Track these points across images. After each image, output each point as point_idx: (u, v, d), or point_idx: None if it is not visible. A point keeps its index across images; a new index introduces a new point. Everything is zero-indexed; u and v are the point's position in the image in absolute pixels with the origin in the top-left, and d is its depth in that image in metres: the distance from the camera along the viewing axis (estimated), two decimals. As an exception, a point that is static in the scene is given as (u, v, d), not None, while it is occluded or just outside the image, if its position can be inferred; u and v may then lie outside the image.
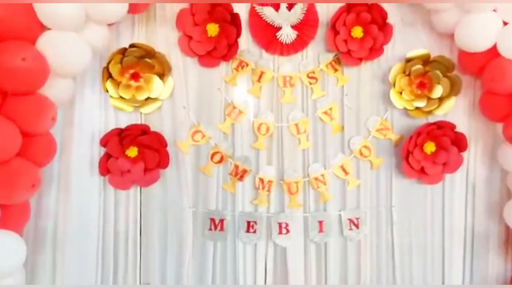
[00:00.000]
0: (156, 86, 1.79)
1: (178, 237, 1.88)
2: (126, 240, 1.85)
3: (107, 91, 1.76)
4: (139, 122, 1.83)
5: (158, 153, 1.78)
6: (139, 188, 1.85)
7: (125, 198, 1.84)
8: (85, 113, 1.81)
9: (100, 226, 1.82)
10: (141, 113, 1.84)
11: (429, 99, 1.87)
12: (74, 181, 1.80)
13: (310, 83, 1.90)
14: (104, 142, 1.74)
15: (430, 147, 1.86)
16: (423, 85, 1.87)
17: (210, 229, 1.88)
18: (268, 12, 1.84)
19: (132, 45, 1.74)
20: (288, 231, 1.88)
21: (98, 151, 1.79)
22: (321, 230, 1.90)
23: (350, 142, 1.93)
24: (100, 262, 1.82)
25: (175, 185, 1.87)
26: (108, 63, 1.73)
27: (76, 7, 1.44)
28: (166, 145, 1.80)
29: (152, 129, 1.83)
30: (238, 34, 1.78)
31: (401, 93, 1.88)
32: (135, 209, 1.85)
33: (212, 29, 1.79)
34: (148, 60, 1.76)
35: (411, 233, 1.97)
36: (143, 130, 1.77)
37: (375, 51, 1.87)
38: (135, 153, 1.76)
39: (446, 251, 1.97)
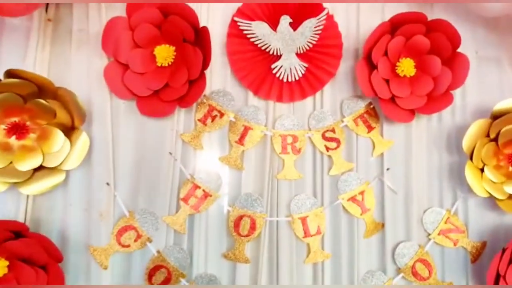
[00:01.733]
0: (58, 147, 1.00)
1: None
2: None
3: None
4: (21, 213, 1.02)
5: (46, 271, 0.96)
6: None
7: None
8: None
9: None
10: (27, 196, 1.04)
11: (531, 180, 1.09)
12: None
13: (328, 149, 1.13)
14: None
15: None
16: (519, 158, 1.10)
17: None
18: (259, 30, 1.10)
19: (10, 74, 0.98)
20: None
21: None
22: None
23: (396, 253, 1.11)
24: None
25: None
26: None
27: None
28: (59, 259, 0.98)
29: (45, 223, 1.03)
30: (207, 63, 1.04)
31: (482, 169, 1.10)
32: None
33: (163, 53, 1.05)
34: (43, 101, 0.99)
35: None
36: (18, 229, 0.95)
37: (437, 99, 1.12)
38: (2, 271, 0.93)
39: None
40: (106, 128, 1.07)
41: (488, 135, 1.11)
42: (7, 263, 0.93)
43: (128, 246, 1.05)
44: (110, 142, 1.07)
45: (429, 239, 1.13)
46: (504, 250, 1.06)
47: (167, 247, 1.06)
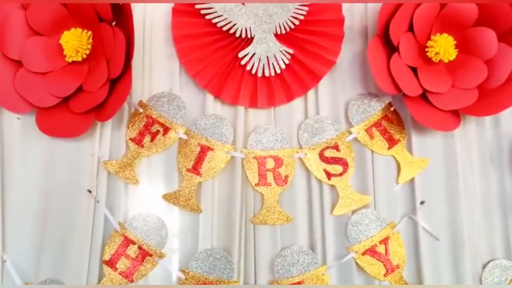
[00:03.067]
0: None
1: None
2: None
3: None
4: None
5: None
6: None
7: None
8: None
9: None
10: None
11: None
12: None
13: (330, 175, 0.74)
14: None
15: None
16: None
17: None
18: (219, 5, 0.74)
19: None
20: None
21: None
22: None
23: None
24: None
25: None
26: None
27: None
28: None
29: None
30: (131, 52, 0.67)
31: None
32: None
33: (74, 41, 0.69)
34: None
35: None
36: None
37: (492, 94, 0.74)
38: None
39: None
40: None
41: None
42: None
43: None
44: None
45: (494, 312, 0.74)
46: None
47: None
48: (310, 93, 0.77)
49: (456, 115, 0.75)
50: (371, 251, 0.73)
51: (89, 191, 0.71)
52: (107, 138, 0.73)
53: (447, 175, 0.77)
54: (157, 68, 0.76)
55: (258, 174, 0.74)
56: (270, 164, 0.74)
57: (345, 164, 0.75)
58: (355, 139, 0.76)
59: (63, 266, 0.70)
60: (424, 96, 0.74)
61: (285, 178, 0.74)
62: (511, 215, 0.77)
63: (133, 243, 0.71)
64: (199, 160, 0.73)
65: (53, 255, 0.70)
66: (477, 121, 0.79)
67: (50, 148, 0.73)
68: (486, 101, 0.74)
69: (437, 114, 0.74)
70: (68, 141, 0.72)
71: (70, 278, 0.70)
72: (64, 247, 0.71)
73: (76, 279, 0.69)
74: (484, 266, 0.75)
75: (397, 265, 0.73)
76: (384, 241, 0.74)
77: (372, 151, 0.76)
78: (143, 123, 0.74)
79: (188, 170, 0.73)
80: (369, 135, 0.76)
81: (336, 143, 0.76)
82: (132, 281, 0.70)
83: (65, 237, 0.71)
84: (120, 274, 0.70)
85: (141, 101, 0.75)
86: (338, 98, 0.78)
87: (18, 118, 0.73)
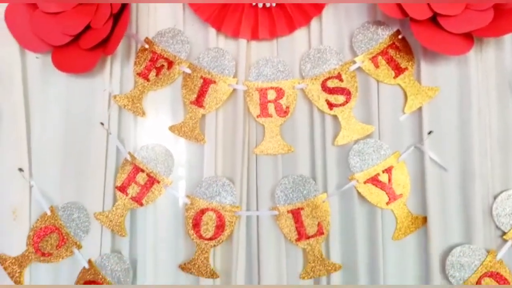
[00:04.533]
0: None
1: None
2: None
3: None
4: None
5: None
6: None
7: None
8: None
9: None
10: None
11: None
12: None
13: (332, 105, 0.74)
14: None
15: None
16: None
17: None
18: None
19: None
20: None
21: None
22: None
23: (449, 263, 0.71)
24: None
25: None
26: None
27: None
28: None
29: None
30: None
31: None
32: None
33: (80, -18, 0.73)
34: None
35: None
36: None
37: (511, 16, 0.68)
38: None
39: None
40: (15, 96, 0.78)
41: None
42: None
43: (49, 254, 0.76)
44: (23, 114, 0.78)
45: (505, 241, 0.71)
46: None
47: (101, 256, 0.75)
48: (314, 23, 0.76)
49: (469, 38, 0.70)
50: (373, 180, 0.73)
51: (102, 124, 0.77)
52: (117, 74, 0.77)
53: (459, 105, 0.74)
54: (161, 5, 0.78)
55: (259, 105, 0.75)
56: (271, 95, 0.75)
57: (348, 93, 0.74)
58: (360, 69, 0.74)
59: (83, 191, 0.77)
60: (434, 19, 0.70)
61: (286, 109, 0.75)
62: (528, 145, 0.72)
63: (142, 171, 0.76)
64: (202, 93, 0.75)
65: (74, 182, 0.77)
66: (496, 45, 0.74)
67: (66, 85, 0.78)
68: (503, 21, 0.68)
69: (448, 38, 0.70)
70: (82, 79, 0.77)
71: (89, 202, 0.76)
72: (82, 174, 0.77)
73: (94, 203, 0.76)
74: (496, 197, 0.72)
75: (400, 194, 0.72)
76: (388, 170, 0.73)
77: (377, 81, 0.74)
78: (149, 58, 0.77)
79: (191, 102, 0.75)
80: (374, 64, 0.74)
81: (339, 73, 0.74)
82: (141, 205, 0.75)
83: (83, 166, 0.77)
84: (131, 199, 0.75)
85: (147, 37, 0.77)
86: (342, 28, 0.76)
87: (36, 57, 0.79)
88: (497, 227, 0.72)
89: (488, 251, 0.71)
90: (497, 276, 0.71)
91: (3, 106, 0.78)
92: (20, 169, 0.77)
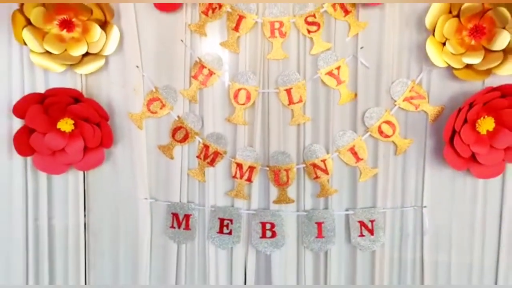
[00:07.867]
0: (97, 38, 1.33)
1: (132, 235, 1.47)
2: (66, 237, 1.47)
3: (24, 43, 1.33)
4: (78, 89, 1.39)
5: (99, 128, 1.35)
6: (81, 173, 1.45)
7: (62, 185, 1.45)
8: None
9: (29, 221, 1.45)
10: (81, 75, 1.40)
11: (487, 52, 1.25)
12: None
13: (309, 32, 1.35)
14: (19, 111, 1.33)
15: (487, 124, 1.26)
16: (479, 30, 1.25)
17: (172, 226, 1.44)
18: None
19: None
20: (274, 234, 1.40)
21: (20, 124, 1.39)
22: (320, 235, 1.40)
23: (366, 115, 1.37)
24: (30, 263, 1.47)
25: (127, 169, 1.45)
26: (22, 4, 1.29)
27: None
28: (107, 118, 1.36)
29: (96, 97, 1.40)
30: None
31: (444, 44, 1.27)
32: (76, 200, 1.46)
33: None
34: (83, 1, 1.30)
35: (451, 245, 1.40)
36: (74, 96, 1.33)
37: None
38: (70, 127, 1.34)
39: (501, 273, 1.39)
40: (129, 23, 1.37)
41: (450, 12, 1.26)
42: (72, 121, 1.34)
43: (156, 113, 1.41)
44: (135, 34, 1.38)
45: (395, 105, 1.37)
46: (460, 110, 1.27)
47: (184, 113, 1.41)
48: (301, -17, 1.34)
49: None
50: (329, 73, 1.35)
51: (182, 41, 1.38)
52: (190, 12, 1.36)
53: (378, 32, 1.35)
54: (214, -30, 1.35)
55: (270, 31, 1.35)
56: (276, 25, 1.35)
57: (318, 25, 1.35)
58: (325, 11, 1.34)
59: (172, 78, 1.40)
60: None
61: (285, 33, 1.35)
62: (412, 56, 1.35)
63: (205, 67, 1.38)
64: (238, 24, 1.35)
65: (167, 73, 1.40)
66: (401, -1, 1.33)
67: (159, 19, 1.37)
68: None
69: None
70: (169, 15, 1.36)
71: (176, 85, 1.40)
72: (172, 70, 1.39)
73: (179, 86, 1.39)
74: (393, 82, 1.36)
75: (343, 80, 1.36)
76: (338, 68, 1.35)
77: (335, 18, 1.34)
78: (205, 5, 1.36)
79: (232, 29, 1.36)
80: (333, 8, 1.34)
81: (314, 13, 1.34)
82: (205, 86, 1.39)
83: (172, 65, 1.39)
84: (200, 83, 1.38)
85: (206, -10, 1.35)
86: (317, -14, 1.34)
87: None
88: (392, 98, 1.37)
89: (385, 110, 1.37)
90: (389, 123, 1.38)
91: (124, 28, 1.38)
92: (137, 66, 1.39)
